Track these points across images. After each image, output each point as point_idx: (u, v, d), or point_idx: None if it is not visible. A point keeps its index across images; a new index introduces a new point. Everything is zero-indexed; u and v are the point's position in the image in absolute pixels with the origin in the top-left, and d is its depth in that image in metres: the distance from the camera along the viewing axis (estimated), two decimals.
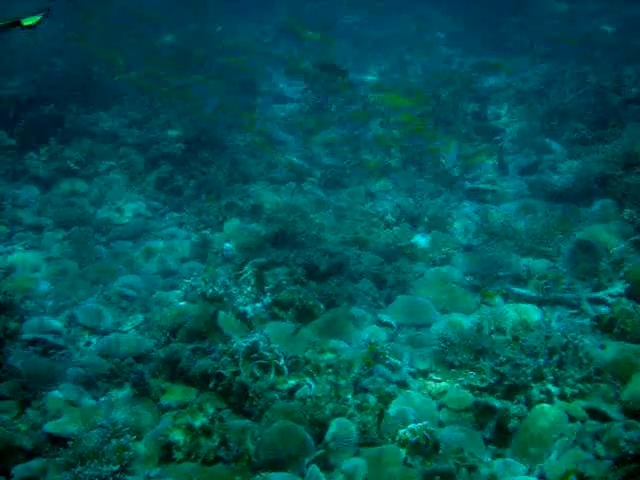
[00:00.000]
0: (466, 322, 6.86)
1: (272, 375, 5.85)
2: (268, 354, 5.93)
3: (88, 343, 6.96)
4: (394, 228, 8.76)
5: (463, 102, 12.78)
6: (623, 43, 15.52)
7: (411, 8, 20.55)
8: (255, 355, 5.93)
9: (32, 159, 10.82)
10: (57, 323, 7.15)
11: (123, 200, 10.05)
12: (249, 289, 7.24)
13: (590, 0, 19.49)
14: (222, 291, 7.15)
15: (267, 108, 13.99)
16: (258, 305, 7.05)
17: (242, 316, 6.92)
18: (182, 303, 7.51)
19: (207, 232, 9.12)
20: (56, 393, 5.97)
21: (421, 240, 8.70)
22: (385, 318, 7.07)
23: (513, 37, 18.00)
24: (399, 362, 6.31)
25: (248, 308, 6.96)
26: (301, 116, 13.13)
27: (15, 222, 9.24)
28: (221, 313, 6.81)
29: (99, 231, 9.18)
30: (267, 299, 7.09)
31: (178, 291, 7.84)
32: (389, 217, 9.07)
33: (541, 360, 5.79)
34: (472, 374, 5.99)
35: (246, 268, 7.51)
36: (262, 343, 6.01)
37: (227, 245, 8.37)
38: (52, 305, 7.57)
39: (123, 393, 6.16)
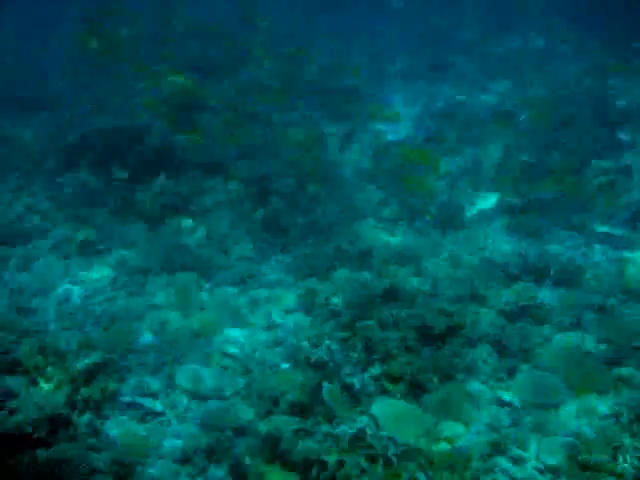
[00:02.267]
0: (601, 408, 6.09)
1: (380, 468, 5.33)
2: (376, 443, 5.42)
3: (187, 409, 6.68)
4: (517, 283, 8.03)
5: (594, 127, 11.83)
6: None
7: (535, 19, 19.46)
8: (362, 443, 5.44)
9: (142, 192, 10.84)
10: (156, 384, 6.95)
11: (229, 240, 9.82)
12: (356, 356, 6.75)
13: None
14: (327, 357, 6.71)
15: (380, 135, 13.50)
16: (366, 376, 6.56)
17: (348, 388, 6.45)
18: (285, 366, 7.14)
19: (314, 281, 8.73)
20: (151, 471, 5.71)
21: (548, 297, 7.93)
22: (507, 396, 6.40)
23: None
24: (524, 454, 5.65)
25: (355, 380, 6.48)
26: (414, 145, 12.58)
27: (121, 264, 9.16)
28: (325, 385, 6.37)
29: (204, 276, 8.93)
30: (376, 369, 6.60)
31: (281, 349, 7.47)
32: (511, 269, 8.35)
33: None
34: None
35: (353, 332, 7.02)
36: (369, 430, 5.52)
37: (335, 299, 7.91)
38: (153, 361, 7.37)
39: (220, 474, 5.82)
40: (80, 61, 14.50)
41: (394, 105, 15.28)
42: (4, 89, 16.04)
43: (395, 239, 9.81)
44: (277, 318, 8.12)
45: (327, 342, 6.97)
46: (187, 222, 10.22)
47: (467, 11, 20.75)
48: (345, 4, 23.00)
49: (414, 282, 8.04)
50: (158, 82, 11.33)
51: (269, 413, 6.38)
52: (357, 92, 14.52)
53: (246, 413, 6.45)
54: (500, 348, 7.10)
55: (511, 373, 6.81)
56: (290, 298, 8.47)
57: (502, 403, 6.39)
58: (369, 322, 7.11)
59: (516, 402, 6.38)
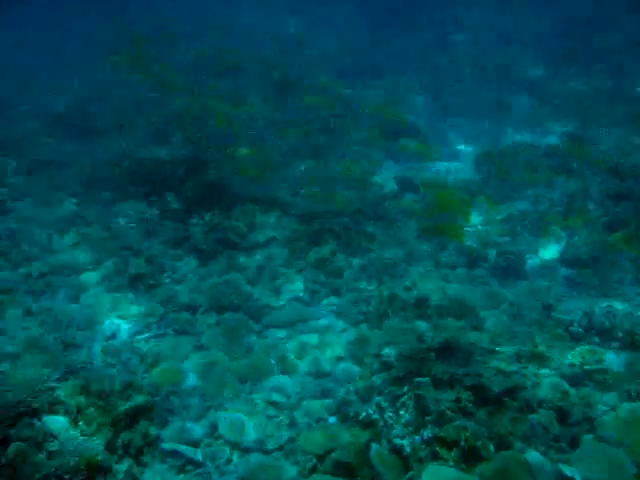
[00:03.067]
0: None
1: None
2: None
3: (228, 461, 6.47)
4: (580, 344, 7.62)
5: None
6: None
7: (605, 57, 18.93)
8: None
9: (195, 226, 10.80)
10: (199, 431, 6.78)
11: (281, 279, 9.64)
12: (407, 417, 6.44)
13: None
14: (377, 415, 6.43)
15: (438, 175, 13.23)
16: (417, 439, 6.23)
17: (398, 451, 6.14)
18: (332, 420, 6.90)
19: (365, 327, 8.48)
20: None
21: (614, 361, 7.49)
22: (568, 471, 6.00)
23: None
24: None
25: (405, 442, 6.17)
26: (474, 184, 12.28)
27: (170, 300, 9.06)
28: (374, 446, 6.09)
29: (253, 317, 8.76)
30: (427, 432, 6.26)
31: (329, 401, 7.21)
32: (575, 328, 7.94)
33: None
34: None
35: (405, 389, 6.71)
36: None
37: (387, 350, 7.62)
38: (197, 405, 7.20)
39: None
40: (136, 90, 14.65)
41: (455, 144, 14.97)
42: (69, 115, 16.34)
43: (452, 286, 9.47)
44: (326, 366, 7.88)
45: (377, 398, 6.69)
46: (239, 258, 10.08)
47: (532, 46, 20.39)
48: (404, 35, 22.91)
49: (471, 337, 7.70)
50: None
51: (313, 471, 6.14)
52: (417, 130, 14.28)
53: (289, 470, 6.21)
54: (562, 415, 6.71)
55: (573, 444, 6.41)
56: (340, 344, 8.24)
57: (563, 477, 5.99)
58: (422, 379, 6.79)
59: (577, 478, 5.97)
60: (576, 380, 7.14)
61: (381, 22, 24.17)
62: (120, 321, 8.69)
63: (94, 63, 16.72)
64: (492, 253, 10.08)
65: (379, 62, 20.21)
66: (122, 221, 11.03)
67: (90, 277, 9.61)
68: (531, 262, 10.04)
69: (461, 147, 14.94)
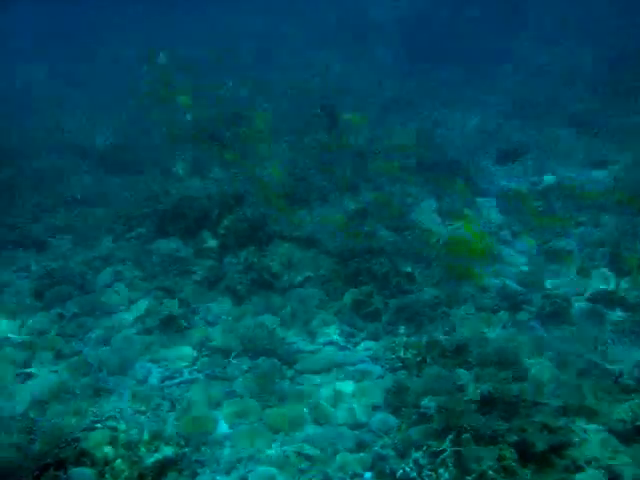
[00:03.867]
0: None
1: None
2: None
3: None
4: (631, 398, 7.23)
5: None
6: None
7: None
8: None
9: (230, 265, 10.69)
10: None
11: (316, 321, 9.44)
12: (447, 476, 6.14)
13: None
14: (414, 474, 6.15)
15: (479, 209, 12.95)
16: None
17: None
18: (367, 475, 6.64)
19: (404, 374, 8.20)
20: None
21: None
22: None
23: None
24: None
25: None
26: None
27: (203, 343, 8.92)
28: None
29: (286, 362, 8.55)
30: None
31: (364, 455, 6.94)
32: (625, 380, 7.56)
33: None
34: None
35: (445, 445, 6.41)
36: None
37: (425, 401, 7.33)
38: (228, 456, 7.00)
39: None
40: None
41: (498, 181, 14.67)
42: (108, 150, 16.50)
43: (495, 331, 9.16)
44: (362, 416, 7.61)
45: (415, 454, 6.41)
46: (274, 299, 9.91)
47: (581, 79, 20.03)
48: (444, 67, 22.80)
49: (514, 388, 7.35)
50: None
51: None
52: (460, 166, 14.03)
53: None
54: (612, 475, 6.33)
55: None
56: (377, 393, 7.94)
57: None
58: (463, 435, 6.49)
59: None
60: (627, 437, 6.76)
61: (422, 56, 24.11)
62: (152, 365, 8.55)
63: (128, 101, 17.01)
64: (537, 296, 9.72)
65: (414, 97, 20.14)
66: (157, 260, 10.94)
67: (123, 318, 9.53)
68: (578, 305, 9.64)
69: (504, 183, 14.63)
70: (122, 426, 6.83)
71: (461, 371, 8.07)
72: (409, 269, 10.41)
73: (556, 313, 9.32)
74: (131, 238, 11.93)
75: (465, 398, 7.12)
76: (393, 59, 24.51)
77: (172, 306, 9.59)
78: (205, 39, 28.66)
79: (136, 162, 15.78)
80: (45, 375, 8.21)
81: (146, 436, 6.76)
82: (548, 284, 10.19)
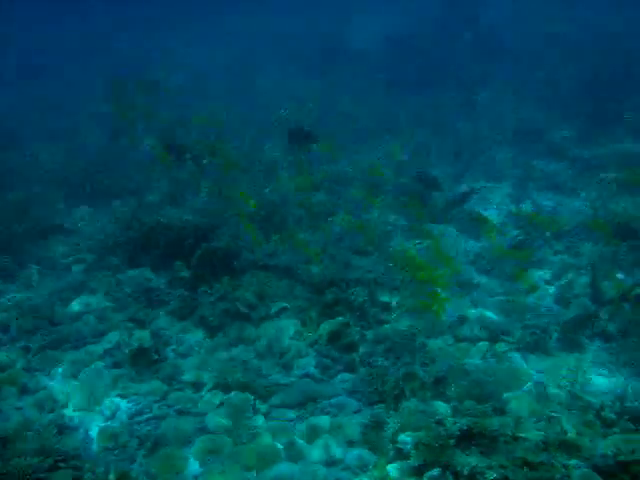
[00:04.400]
0: None
1: None
2: None
3: None
4: (614, 431, 7.08)
5: None
6: None
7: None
8: None
9: (204, 295, 10.47)
10: None
11: (291, 353, 9.23)
12: None
13: None
14: None
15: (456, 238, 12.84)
16: None
17: None
18: None
19: (381, 408, 8.00)
20: None
21: None
22: None
23: None
24: None
25: None
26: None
27: (173, 377, 8.67)
28: None
29: (261, 395, 8.31)
30: None
31: None
32: (607, 413, 7.41)
33: None
34: None
35: None
36: None
37: (403, 437, 7.14)
38: None
39: None
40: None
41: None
42: (79, 176, 16.23)
43: (473, 362, 9.01)
44: (337, 452, 7.39)
45: None
46: (248, 331, 9.70)
47: (559, 105, 20.04)
48: (424, 93, 22.83)
49: (494, 422, 7.18)
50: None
51: None
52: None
53: None
54: None
55: None
56: (354, 428, 7.73)
57: None
58: (441, 472, 6.31)
59: None
60: (610, 473, 6.60)
61: (399, 80, 24.17)
62: (120, 400, 8.28)
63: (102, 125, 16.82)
64: (517, 326, 9.60)
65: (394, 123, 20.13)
66: (128, 290, 10.69)
67: (92, 351, 9.25)
68: (555, 336, 9.51)
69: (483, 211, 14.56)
70: (88, 465, 6.56)
71: (439, 403, 7.90)
72: (386, 298, 10.28)
73: (536, 344, 9.20)
74: (102, 268, 11.67)
75: (443, 433, 6.94)
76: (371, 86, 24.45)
77: (143, 338, 9.34)
78: (184, 63, 28.69)
79: (113, 187, 15.54)
80: (8, 411, 7.89)
81: (112, 476, 6.50)
82: (530, 313, 10.05)
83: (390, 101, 21.96)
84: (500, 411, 7.68)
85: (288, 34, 33.77)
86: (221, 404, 8.17)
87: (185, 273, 11.08)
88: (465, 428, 6.88)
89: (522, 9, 30.53)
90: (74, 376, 8.73)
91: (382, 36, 29.25)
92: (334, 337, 9.45)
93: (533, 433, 7.19)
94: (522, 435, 7.10)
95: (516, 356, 9.14)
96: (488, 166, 16.94)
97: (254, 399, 8.19)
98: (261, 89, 24.50)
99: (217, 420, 7.84)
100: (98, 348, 9.33)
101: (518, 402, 7.89)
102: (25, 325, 9.59)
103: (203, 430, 7.77)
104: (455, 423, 7.04)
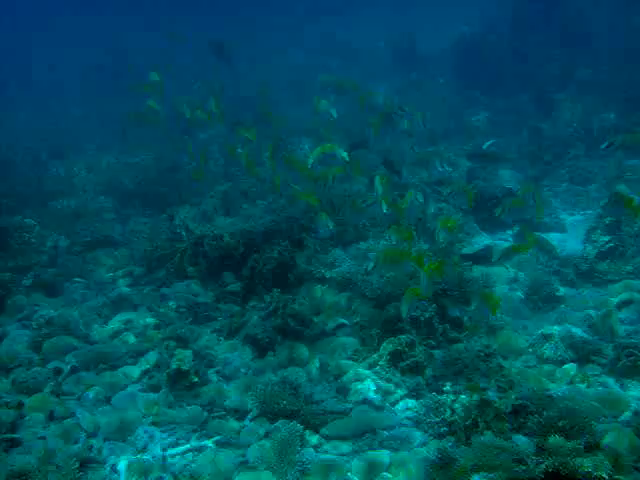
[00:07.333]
0: None
1: None
2: None
3: None
4: None
5: None
6: None
7: None
8: None
9: (253, 310, 9.69)
10: None
11: (348, 375, 8.30)
12: None
13: None
14: None
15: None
16: None
17: None
18: None
19: (449, 442, 6.98)
20: None
21: None
22: None
23: None
24: None
25: None
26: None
27: (214, 403, 7.86)
28: None
29: (311, 425, 7.41)
30: None
31: None
32: None
33: None
34: None
35: None
36: None
37: (476, 478, 6.11)
38: None
39: None
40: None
41: (558, 212, 13.41)
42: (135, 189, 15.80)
43: (558, 387, 7.89)
44: None
45: None
46: (301, 350, 8.83)
47: None
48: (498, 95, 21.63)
49: (586, 462, 6.07)
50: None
51: None
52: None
53: None
54: None
55: None
56: (418, 465, 6.72)
57: None
58: None
59: None
60: None
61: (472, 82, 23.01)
62: (154, 429, 7.50)
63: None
64: (610, 346, 8.42)
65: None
66: (173, 305, 10.00)
67: (128, 373, 8.55)
68: None
69: (564, 217, 13.33)
70: None
71: (519, 437, 6.82)
72: (457, 313, 9.24)
73: (635, 367, 7.99)
74: (148, 282, 11.05)
75: (525, 475, 5.88)
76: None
77: (185, 358, 8.57)
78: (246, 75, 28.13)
79: (168, 199, 14.97)
80: (30, 441, 7.21)
81: None
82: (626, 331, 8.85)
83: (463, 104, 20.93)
84: (593, 447, 6.54)
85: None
86: (266, 434, 7.30)
87: (235, 286, 10.33)
88: (551, 470, 5.81)
89: None
90: (107, 401, 8.03)
91: (455, 37, 28.07)
92: (397, 357, 8.46)
93: (635, 476, 6.07)
94: (621, 478, 5.99)
95: (610, 381, 7.96)
96: (572, 168, 15.66)
97: (303, 429, 7.28)
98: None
99: (260, 454, 6.96)
100: (135, 370, 8.62)
101: (615, 436, 6.73)
102: (59, 344, 8.96)
103: (244, 465, 6.91)
104: (539, 463, 5.97)
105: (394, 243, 10.19)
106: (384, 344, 8.65)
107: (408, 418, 7.59)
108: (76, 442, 7.23)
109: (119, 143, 19.99)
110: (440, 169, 11.14)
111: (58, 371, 8.46)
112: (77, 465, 6.54)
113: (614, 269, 10.30)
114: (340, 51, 31.18)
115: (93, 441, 7.27)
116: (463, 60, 24.71)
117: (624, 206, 8.88)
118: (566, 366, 8.21)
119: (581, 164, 15.81)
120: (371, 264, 8.55)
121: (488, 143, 15.37)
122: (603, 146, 9.25)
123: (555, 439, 6.41)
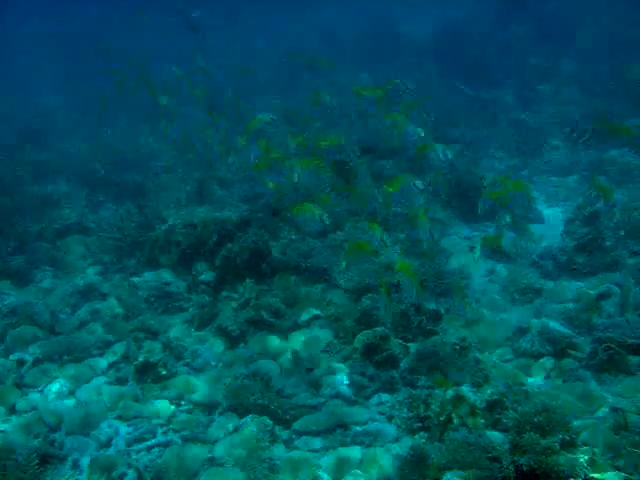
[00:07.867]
0: None
1: None
2: None
3: None
4: None
5: None
6: None
7: None
8: None
9: (226, 300, 9.47)
10: None
11: (321, 368, 8.11)
12: None
13: None
14: None
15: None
16: None
17: None
18: None
19: (424, 437, 6.82)
20: None
21: None
22: None
23: None
24: None
25: None
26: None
27: (184, 396, 7.65)
28: None
29: (282, 419, 7.22)
30: None
31: None
32: None
33: None
34: None
35: None
36: None
37: (449, 475, 5.95)
38: None
39: None
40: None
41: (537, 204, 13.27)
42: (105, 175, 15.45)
43: (534, 381, 7.77)
44: None
45: None
46: (273, 341, 8.64)
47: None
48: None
49: (562, 459, 5.94)
50: None
51: None
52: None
53: None
54: None
55: None
56: (390, 461, 6.58)
57: None
58: None
59: None
60: None
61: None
62: (119, 424, 7.28)
63: None
64: (587, 340, 8.29)
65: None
66: (142, 295, 9.74)
67: (94, 365, 8.31)
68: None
69: (543, 208, 13.17)
70: None
71: (494, 434, 6.68)
72: (433, 305, 9.09)
73: (611, 361, 7.86)
74: (118, 270, 10.79)
75: (499, 474, 5.74)
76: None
77: (153, 350, 8.37)
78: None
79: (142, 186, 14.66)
80: None
81: None
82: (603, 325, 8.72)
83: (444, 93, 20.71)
84: (569, 444, 6.41)
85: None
86: (235, 430, 7.10)
87: (208, 276, 10.09)
88: (526, 468, 5.67)
89: None
90: (71, 394, 7.79)
91: (436, 26, 27.80)
92: (371, 350, 8.29)
93: (610, 475, 5.94)
94: (597, 477, 5.86)
95: (587, 374, 7.83)
96: (551, 159, 15.56)
97: (273, 424, 7.09)
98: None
99: (228, 450, 6.76)
100: (102, 361, 8.38)
101: (591, 433, 6.62)
102: (22, 334, 8.69)
103: (212, 461, 6.71)
104: (513, 461, 5.83)
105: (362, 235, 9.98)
106: (359, 336, 8.47)
107: (381, 413, 7.43)
108: (37, 436, 6.99)
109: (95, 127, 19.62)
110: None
111: (21, 362, 8.20)
112: (37, 461, 6.30)
113: (593, 261, 10.17)
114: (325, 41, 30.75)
115: (55, 435, 7.04)
116: (446, 50, 24.50)
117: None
118: (543, 360, 8.09)
119: (560, 155, 15.70)
120: (344, 263, 8.42)
121: None
122: (575, 134, 9.15)
123: (530, 436, 6.28)
